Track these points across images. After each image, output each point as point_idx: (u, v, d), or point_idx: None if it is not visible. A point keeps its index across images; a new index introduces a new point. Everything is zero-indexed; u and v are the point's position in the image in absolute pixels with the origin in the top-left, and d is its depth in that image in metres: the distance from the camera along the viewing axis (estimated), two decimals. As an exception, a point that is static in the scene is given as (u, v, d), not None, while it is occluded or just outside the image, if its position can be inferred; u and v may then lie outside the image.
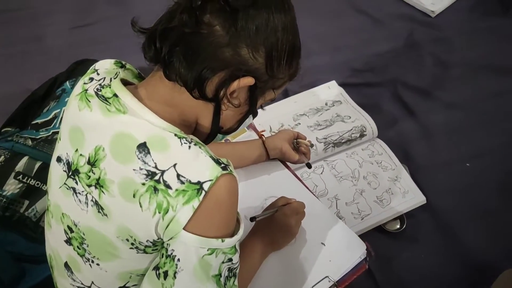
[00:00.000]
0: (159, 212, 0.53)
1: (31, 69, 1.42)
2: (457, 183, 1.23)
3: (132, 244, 0.57)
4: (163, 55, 0.54)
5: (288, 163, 1.02)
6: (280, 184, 0.97)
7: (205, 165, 0.53)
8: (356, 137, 1.27)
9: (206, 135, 0.63)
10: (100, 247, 0.60)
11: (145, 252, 0.58)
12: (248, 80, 0.55)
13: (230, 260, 0.57)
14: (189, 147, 0.54)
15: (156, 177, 0.52)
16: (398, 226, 1.14)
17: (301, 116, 1.34)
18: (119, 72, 0.64)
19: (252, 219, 0.79)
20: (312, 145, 1.23)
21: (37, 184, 0.97)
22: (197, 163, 0.53)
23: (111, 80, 0.61)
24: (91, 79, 0.63)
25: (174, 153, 0.53)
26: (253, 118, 0.65)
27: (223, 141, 1.06)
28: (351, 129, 1.28)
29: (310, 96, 1.40)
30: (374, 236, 1.12)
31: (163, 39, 0.54)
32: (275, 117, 1.34)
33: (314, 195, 0.97)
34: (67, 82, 1.18)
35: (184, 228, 0.53)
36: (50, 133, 1.07)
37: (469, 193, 1.21)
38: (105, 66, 0.67)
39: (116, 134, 0.56)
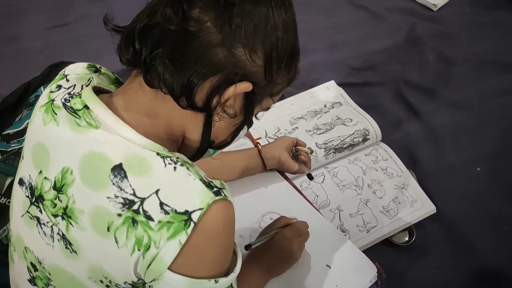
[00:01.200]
0: (139, 249, 0.45)
1: (2, 73, 1.31)
2: (468, 189, 1.16)
3: (108, 286, 0.49)
4: (144, 58, 0.46)
5: (287, 174, 0.94)
6: (279, 198, 0.89)
7: (194, 190, 0.45)
8: (358, 142, 1.18)
9: (195, 150, 0.55)
10: (70, 289, 0.51)
11: None
12: (245, 86, 0.48)
13: None
14: (175, 168, 0.46)
15: (135, 207, 0.45)
16: (407, 239, 1.07)
17: (299, 119, 1.25)
18: (92, 78, 0.57)
19: (247, 247, 0.70)
20: (312, 152, 1.13)
21: (8, 202, 0.88)
22: (184, 188, 0.46)
23: (82, 88, 0.53)
24: (59, 86, 0.55)
25: (156, 177, 0.46)
26: (248, 129, 0.57)
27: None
28: (353, 133, 1.19)
29: (307, 98, 1.31)
30: (381, 250, 1.04)
31: (143, 39, 0.46)
32: (270, 121, 1.25)
33: (317, 209, 0.88)
34: (42, 88, 1.08)
35: (169, 268, 0.45)
36: (22, 145, 0.98)
37: (482, 199, 1.14)
38: (76, 70, 0.59)
39: (86, 154, 0.48)
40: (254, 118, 0.57)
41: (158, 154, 0.47)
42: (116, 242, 0.45)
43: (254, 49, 0.47)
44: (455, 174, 1.19)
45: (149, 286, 0.48)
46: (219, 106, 0.48)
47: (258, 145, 0.92)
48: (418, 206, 1.09)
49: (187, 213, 0.44)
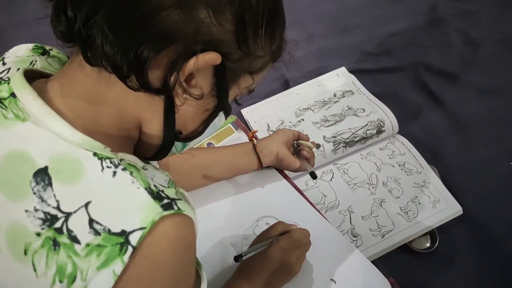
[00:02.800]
0: (61, 281, 0.35)
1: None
2: (499, 187, 1.01)
3: None
4: (78, 28, 0.36)
5: (287, 172, 0.82)
6: (276, 200, 0.78)
7: (135, 204, 0.35)
8: (372, 134, 1.05)
9: (158, 146, 0.45)
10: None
11: None
12: (211, 57, 0.37)
13: None
14: (114, 173, 0.36)
15: (57, 224, 0.35)
16: (428, 245, 0.93)
17: (305, 110, 1.13)
18: (35, 61, 0.48)
19: (237, 258, 0.59)
20: (318, 146, 1.01)
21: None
22: (123, 200, 0.36)
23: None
24: None
25: (88, 185, 0.36)
26: (226, 117, 0.47)
27: (205, 144, 0.86)
28: (366, 125, 1.06)
29: (315, 87, 1.18)
30: (398, 258, 0.91)
31: (76, 4, 0.36)
32: (273, 112, 1.13)
33: (321, 213, 0.76)
34: None
35: None
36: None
37: (516, 199, 0.99)
38: (18, 53, 0.50)
39: (9, 154, 0.38)
40: (235, 104, 0.47)
41: (95, 154, 0.37)
42: (35, 269, 0.35)
43: (220, 10, 0.36)
44: (484, 170, 1.04)
45: None
46: (178, 86, 0.38)
47: (254, 139, 0.81)
48: (442, 207, 0.95)
49: (124, 234, 0.34)
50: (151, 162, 0.50)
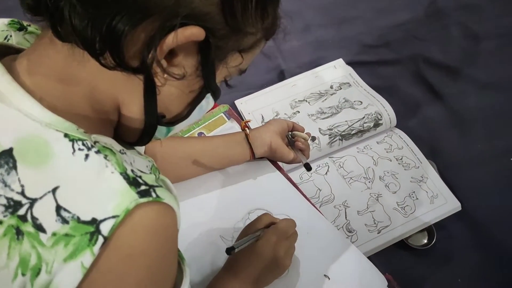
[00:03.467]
0: (23, 274, 0.31)
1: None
2: (499, 184, 0.99)
3: None
4: None
5: (281, 163, 0.79)
6: (269, 193, 0.75)
7: (108, 190, 0.32)
8: (369, 127, 1.02)
9: (140, 130, 0.41)
10: None
11: None
12: (193, 32, 0.33)
13: None
14: (86, 156, 0.33)
15: (21, 211, 0.32)
16: (425, 241, 0.91)
17: (301, 102, 1.09)
18: (10, 36, 0.44)
19: (229, 251, 0.55)
20: (314, 139, 0.98)
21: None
22: (95, 186, 0.32)
23: None
24: None
25: (57, 169, 0.32)
26: (215, 100, 0.44)
27: (196, 134, 0.82)
28: (363, 117, 1.03)
29: (311, 78, 1.15)
30: (394, 254, 0.89)
31: None
32: (268, 104, 1.10)
33: (315, 207, 0.73)
34: None
35: None
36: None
37: (516, 195, 0.97)
38: None
39: None
40: (228, 95, 0.43)
41: (66, 136, 0.34)
42: None
43: None
44: (483, 165, 1.02)
45: None
46: (157, 64, 0.34)
47: (246, 128, 0.77)
48: (440, 202, 0.93)
49: (95, 222, 0.31)
50: (135, 147, 0.47)
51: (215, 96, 0.43)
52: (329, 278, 0.63)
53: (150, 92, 0.37)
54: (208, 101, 0.43)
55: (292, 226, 0.61)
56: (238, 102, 1.09)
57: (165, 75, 0.36)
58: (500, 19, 1.34)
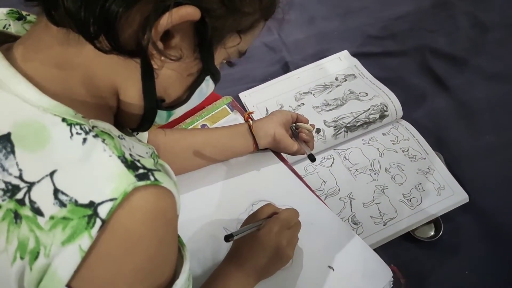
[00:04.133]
0: (22, 258, 0.31)
1: None
2: (508, 175, 0.97)
3: None
4: None
5: (284, 155, 0.78)
6: (273, 184, 0.74)
7: (106, 173, 0.32)
8: (375, 119, 1.01)
9: (140, 116, 0.41)
10: None
11: None
12: (188, 12, 0.33)
13: None
14: (84, 140, 0.33)
15: (19, 195, 0.32)
16: (432, 233, 0.89)
17: (305, 94, 1.08)
18: (8, 25, 0.44)
19: (227, 238, 0.55)
20: (318, 131, 0.97)
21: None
22: (92, 169, 0.32)
23: None
24: None
25: (55, 153, 0.32)
26: (216, 83, 0.43)
27: (199, 126, 0.82)
28: (369, 109, 1.02)
29: (316, 70, 1.14)
30: (401, 246, 0.87)
31: None
32: (272, 96, 1.09)
33: (319, 198, 0.72)
34: None
35: (68, 286, 0.32)
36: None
37: (525, 187, 0.95)
38: None
39: None
40: (232, 87, 0.42)
41: (64, 120, 0.33)
42: None
43: None
44: (492, 157, 1.00)
45: None
46: (153, 46, 0.34)
47: (249, 120, 0.77)
48: (447, 194, 0.91)
49: (93, 205, 0.31)
50: (137, 137, 0.46)
51: (215, 79, 0.42)
52: (333, 269, 0.62)
53: (147, 76, 0.37)
54: (208, 83, 0.42)
55: (295, 216, 0.61)
56: (242, 95, 1.08)
57: (162, 58, 0.35)
58: (507, 9, 1.31)
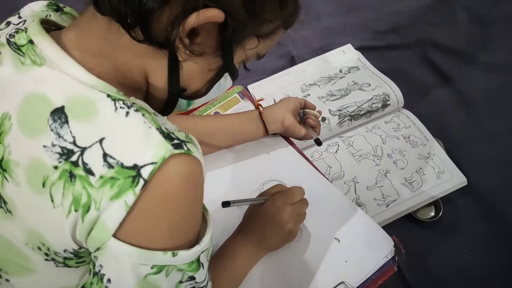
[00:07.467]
0: (76, 210, 0.36)
1: None
2: (503, 159, 1.02)
3: (47, 254, 0.41)
4: None
5: (293, 139, 0.83)
6: (282, 165, 0.79)
7: (147, 141, 0.36)
8: (377, 108, 1.06)
9: (163, 102, 0.46)
10: (6, 257, 0.43)
11: (66, 265, 0.41)
12: (213, 14, 0.37)
13: (192, 278, 0.41)
14: (127, 113, 0.38)
15: (73, 158, 0.36)
16: (433, 214, 0.94)
17: (311, 86, 1.14)
18: (49, 15, 0.49)
19: (224, 204, 0.60)
20: (324, 119, 1.02)
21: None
22: (135, 137, 0.37)
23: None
24: (8, 23, 0.47)
25: (102, 123, 0.37)
26: (233, 80, 0.47)
27: (212, 113, 0.87)
28: (371, 98, 1.07)
29: (321, 63, 1.19)
30: (403, 227, 0.93)
31: None
32: (279, 88, 1.14)
33: (326, 178, 0.77)
34: None
35: (114, 236, 0.37)
36: None
37: (520, 170, 0.99)
38: (32, 8, 0.50)
39: (27, 96, 0.40)
40: (243, 73, 0.47)
41: (109, 96, 0.38)
42: (52, 200, 0.37)
43: None
44: (489, 143, 1.05)
45: (94, 257, 0.39)
46: (180, 41, 0.38)
47: (260, 106, 0.82)
48: (446, 177, 0.96)
49: (136, 167, 0.35)
50: None
51: (233, 76, 0.46)
52: (339, 241, 0.68)
53: (173, 66, 0.41)
54: (226, 80, 0.46)
55: (299, 193, 0.65)
56: (251, 87, 1.14)
57: (187, 51, 0.40)
58: (507, 3, 1.35)
